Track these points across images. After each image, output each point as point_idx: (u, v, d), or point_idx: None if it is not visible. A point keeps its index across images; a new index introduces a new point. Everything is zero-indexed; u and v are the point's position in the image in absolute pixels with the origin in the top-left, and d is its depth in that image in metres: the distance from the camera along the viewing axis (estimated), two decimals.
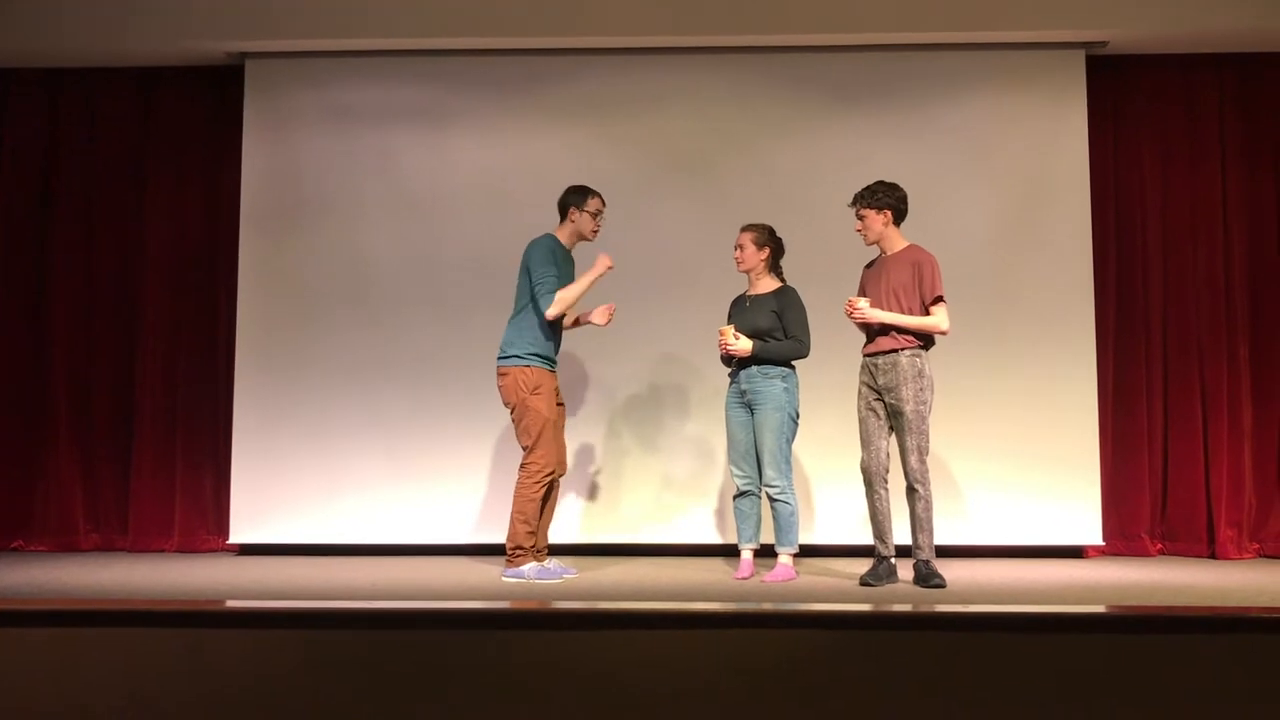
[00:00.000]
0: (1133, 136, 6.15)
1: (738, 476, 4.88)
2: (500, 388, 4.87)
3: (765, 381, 4.79)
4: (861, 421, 4.73)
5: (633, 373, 5.98)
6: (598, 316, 5.01)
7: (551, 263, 4.82)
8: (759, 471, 4.84)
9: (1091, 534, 5.77)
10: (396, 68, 6.13)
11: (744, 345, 4.77)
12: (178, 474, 6.15)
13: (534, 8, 5.91)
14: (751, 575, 4.81)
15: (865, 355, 4.76)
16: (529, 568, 4.76)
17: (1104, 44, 5.97)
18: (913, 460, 4.58)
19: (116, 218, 6.31)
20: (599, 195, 4.99)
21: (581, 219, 4.95)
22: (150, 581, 4.87)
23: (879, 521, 4.70)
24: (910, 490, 4.61)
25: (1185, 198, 6.10)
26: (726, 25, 5.89)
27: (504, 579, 4.77)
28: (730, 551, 5.28)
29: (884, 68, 6.02)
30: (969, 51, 5.99)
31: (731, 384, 4.93)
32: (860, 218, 4.79)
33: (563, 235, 4.98)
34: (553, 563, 4.94)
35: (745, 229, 4.96)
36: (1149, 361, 6.06)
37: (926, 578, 4.55)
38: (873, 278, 4.82)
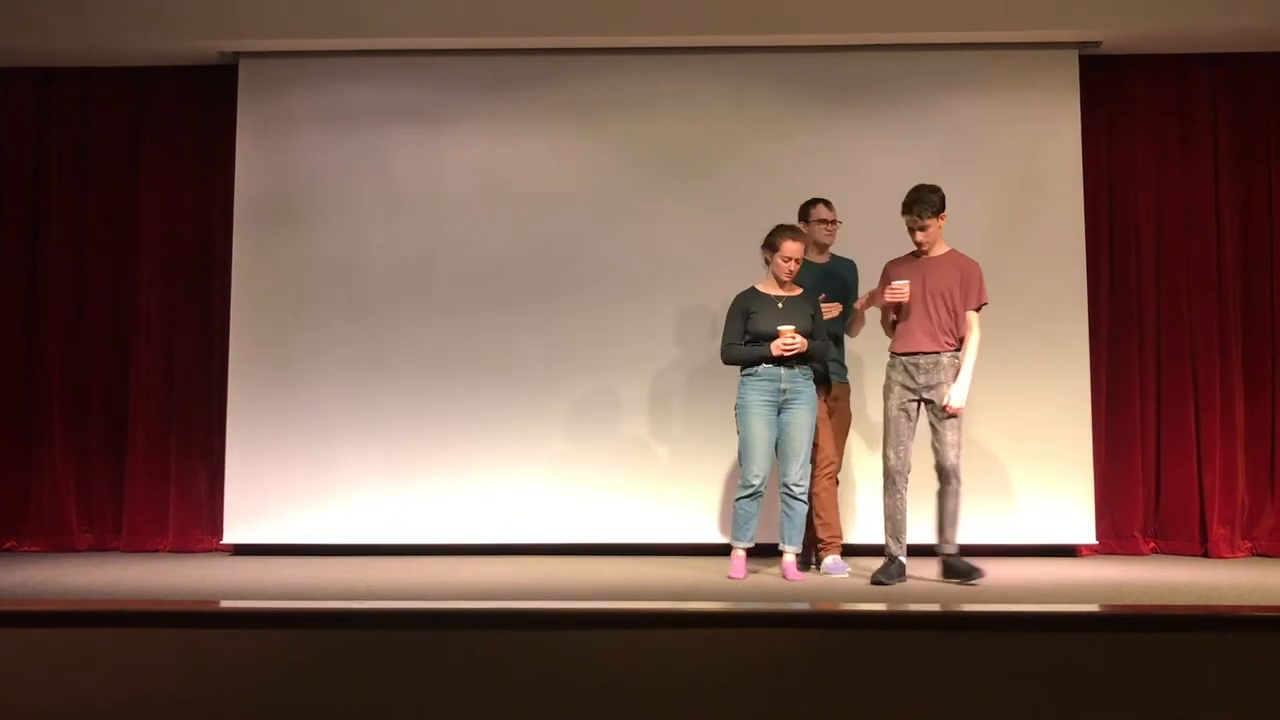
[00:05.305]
0: (1126, 136, 6.16)
1: (756, 477, 4.77)
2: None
3: (805, 382, 4.83)
4: (892, 421, 4.71)
5: (629, 372, 5.97)
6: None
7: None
8: (766, 471, 4.80)
9: (1085, 533, 5.78)
10: (391, 67, 6.11)
11: (802, 344, 4.76)
12: (172, 474, 6.14)
13: (529, 8, 5.90)
14: (747, 575, 4.81)
15: (901, 355, 4.73)
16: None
17: (1097, 44, 5.98)
18: (953, 455, 4.64)
19: (110, 217, 6.28)
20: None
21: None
22: (144, 582, 4.86)
23: (896, 520, 4.70)
24: (947, 484, 4.65)
25: (1178, 197, 6.11)
26: (721, 25, 5.89)
27: (830, 572, 4.94)
28: (726, 550, 5.28)
29: (879, 67, 6.02)
30: (963, 51, 5.99)
31: (759, 380, 4.80)
32: (924, 228, 4.69)
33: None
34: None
35: (797, 238, 4.85)
36: (1142, 359, 6.07)
37: (968, 573, 4.61)
38: (909, 278, 4.72)
